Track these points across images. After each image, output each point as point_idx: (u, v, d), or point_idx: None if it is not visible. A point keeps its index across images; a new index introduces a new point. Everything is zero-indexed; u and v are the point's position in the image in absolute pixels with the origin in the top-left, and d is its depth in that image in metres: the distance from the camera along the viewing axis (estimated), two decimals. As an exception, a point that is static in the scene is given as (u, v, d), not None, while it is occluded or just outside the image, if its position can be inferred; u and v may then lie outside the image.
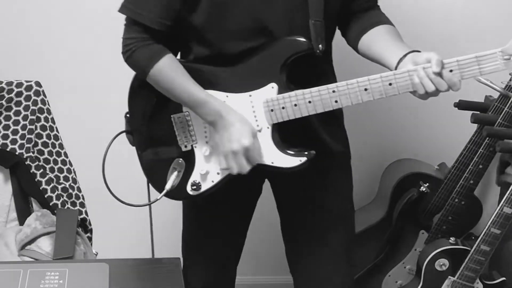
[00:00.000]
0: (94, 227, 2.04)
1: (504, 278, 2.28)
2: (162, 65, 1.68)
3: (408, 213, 2.40)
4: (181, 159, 1.75)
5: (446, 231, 2.34)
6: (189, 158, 1.75)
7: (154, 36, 1.69)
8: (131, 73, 2.71)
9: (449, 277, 2.23)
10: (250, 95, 1.68)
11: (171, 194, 1.77)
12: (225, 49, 1.69)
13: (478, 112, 2.21)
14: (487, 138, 2.19)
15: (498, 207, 2.04)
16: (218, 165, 1.73)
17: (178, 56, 1.81)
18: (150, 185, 1.84)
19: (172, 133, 1.75)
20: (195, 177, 1.75)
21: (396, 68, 1.61)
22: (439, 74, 1.53)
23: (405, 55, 1.60)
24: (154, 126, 1.78)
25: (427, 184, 2.39)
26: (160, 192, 1.76)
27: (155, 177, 1.81)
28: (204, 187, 1.75)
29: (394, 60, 1.62)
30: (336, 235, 1.89)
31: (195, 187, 1.75)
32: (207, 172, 1.74)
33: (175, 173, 1.75)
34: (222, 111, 1.66)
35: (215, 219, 1.92)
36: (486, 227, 2.08)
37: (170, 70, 1.68)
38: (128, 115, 1.83)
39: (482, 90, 2.25)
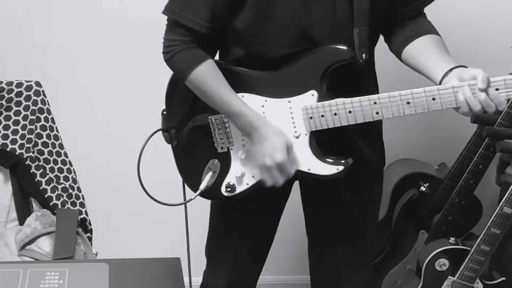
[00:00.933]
0: (96, 227, 2.04)
1: (504, 278, 2.28)
2: (202, 71, 1.66)
3: (408, 213, 2.40)
4: (216, 160, 1.75)
5: (446, 231, 2.33)
6: (225, 160, 1.74)
7: (196, 38, 1.67)
8: (133, 73, 2.72)
9: (449, 277, 2.23)
10: (289, 101, 1.66)
11: (204, 194, 1.76)
12: (266, 54, 1.67)
13: (478, 112, 2.21)
14: (487, 138, 2.19)
15: (498, 207, 2.04)
16: (253, 169, 1.72)
17: (217, 57, 1.80)
18: (185, 184, 1.83)
19: (209, 134, 1.74)
20: (230, 178, 1.74)
21: (440, 82, 1.58)
22: (485, 92, 1.50)
23: (450, 70, 1.57)
24: (191, 125, 1.77)
25: (427, 184, 2.39)
26: (195, 191, 1.75)
27: (190, 177, 1.79)
28: (239, 189, 1.74)
29: (439, 73, 1.59)
30: (363, 242, 1.90)
31: (229, 189, 1.74)
32: (243, 175, 1.73)
33: (210, 173, 1.74)
34: (257, 125, 1.65)
35: (244, 219, 1.91)
36: (486, 227, 2.08)
37: (209, 76, 1.67)
38: (165, 113, 1.81)
39: (482, 90, 2.24)
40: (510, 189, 2.01)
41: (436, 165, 2.54)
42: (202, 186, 1.73)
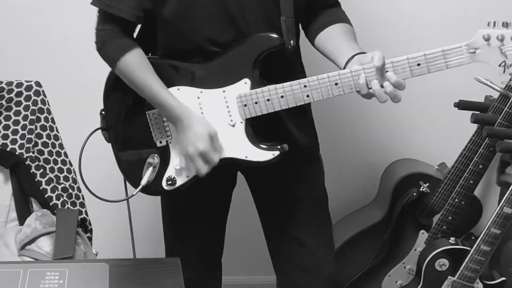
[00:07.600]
0: (94, 227, 2.04)
1: (504, 278, 2.28)
2: (130, 58, 1.72)
3: (408, 213, 2.40)
4: (156, 154, 1.78)
5: (446, 231, 2.33)
6: (164, 154, 1.78)
7: (125, 28, 1.73)
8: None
9: (449, 277, 2.23)
10: (223, 91, 1.71)
11: (147, 190, 1.80)
12: (197, 43, 1.72)
13: (478, 112, 2.21)
14: (487, 138, 2.19)
15: (498, 207, 2.04)
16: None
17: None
18: (126, 181, 1.87)
19: (147, 129, 1.78)
20: (170, 172, 1.78)
21: (344, 68, 1.65)
22: (381, 72, 1.57)
23: (352, 56, 1.64)
24: (130, 122, 1.81)
25: (427, 184, 2.39)
26: (136, 188, 1.79)
27: (131, 173, 1.83)
28: (179, 182, 1.78)
29: (343, 60, 1.67)
30: (315, 224, 1.93)
31: (170, 182, 1.78)
32: (182, 167, 1.76)
33: (150, 168, 1.78)
34: (182, 115, 1.70)
35: (192, 213, 1.95)
36: (486, 227, 2.08)
37: (136, 64, 1.72)
38: (103, 112, 1.86)
39: (482, 90, 2.25)
40: (510, 189, 2.01)
41: (436, 165, 2.54)
42: (143, 182, 1.77)
